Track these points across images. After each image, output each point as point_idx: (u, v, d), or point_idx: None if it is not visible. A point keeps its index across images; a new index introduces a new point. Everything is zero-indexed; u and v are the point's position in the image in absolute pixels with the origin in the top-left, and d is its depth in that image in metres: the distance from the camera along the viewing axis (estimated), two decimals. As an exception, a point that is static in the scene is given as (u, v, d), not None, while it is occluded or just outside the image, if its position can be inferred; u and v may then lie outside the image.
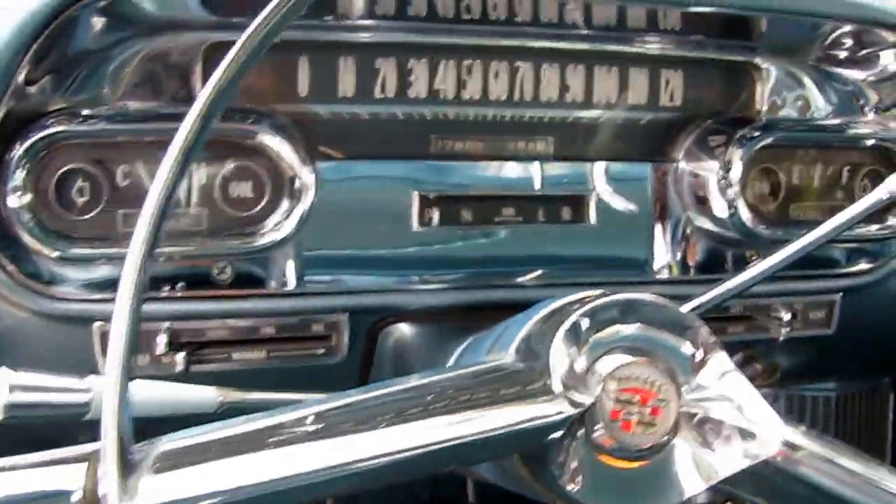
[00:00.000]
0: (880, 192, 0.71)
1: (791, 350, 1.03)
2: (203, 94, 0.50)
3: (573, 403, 0.56)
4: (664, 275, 0.93)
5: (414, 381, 0.58)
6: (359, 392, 0.58)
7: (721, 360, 0.59)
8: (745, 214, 0.89)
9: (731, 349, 0.97)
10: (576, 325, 0.58)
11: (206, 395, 0.68)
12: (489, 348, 0.67)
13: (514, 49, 0.87)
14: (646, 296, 0.60)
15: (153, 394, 0.66)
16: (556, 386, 0.56)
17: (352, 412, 0.55)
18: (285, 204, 0.79)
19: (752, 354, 1.03)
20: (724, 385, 0.58)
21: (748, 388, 0.58)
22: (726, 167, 0.88)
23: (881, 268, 0.97)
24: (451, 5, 0.84)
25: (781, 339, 0.93)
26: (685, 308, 0.68)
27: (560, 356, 0.57)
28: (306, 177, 0.78)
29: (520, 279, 0.89)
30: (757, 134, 0.89)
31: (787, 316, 0.93)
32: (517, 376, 0.58)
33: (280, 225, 0.78)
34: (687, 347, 0.59)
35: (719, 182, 0.88)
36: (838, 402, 1.33)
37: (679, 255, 0.93)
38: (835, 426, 1.34)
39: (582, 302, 0.61)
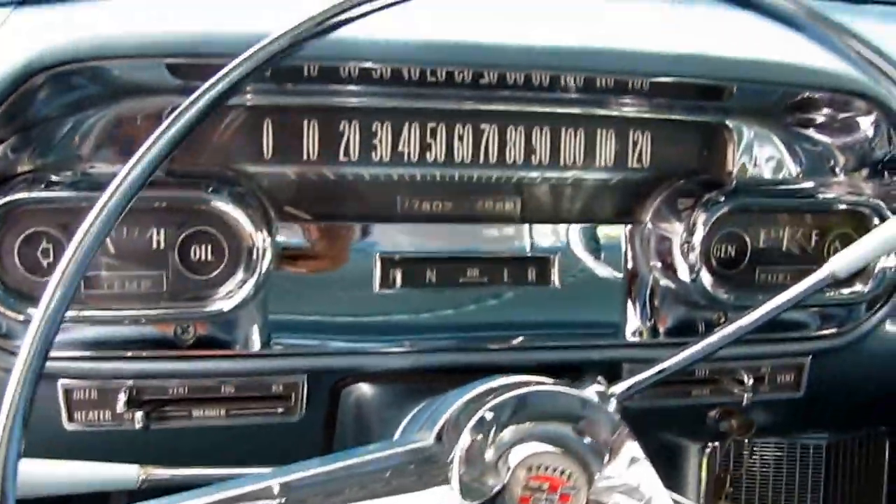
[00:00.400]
0: (823, 272, 0.70)
1: (764, 407, 1.02)
2: (131, 163, 0.51)
3: (477, 493, 0.57)
4: (631, 338, 0.93)
5: (327, 464, 0.59)
6: (279, 473, 0.59)
7: (631, 450, 0.60)
8: (707, 279, 0.88)
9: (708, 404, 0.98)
10: (486, 418, 0.59)
11: (126, 473, 0.69)
12: (423, 423, 0.68)
13: (479, 112, 0.87)
14: (562, 388, 0.61)
15: (69, 472, 0.68)
16: (457, 477, 0.57)
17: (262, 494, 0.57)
18: (241, 270, 0.80)
19: (727, 409, 1.03)
20: (633, 475, 0.59)
21: (656, 479, 0.59)
22: (690, 230, 0.88)
23: (851, 331, 0.96)
24: (416, 69, 0.85)
25: (745, 403, 0.93)
26: (619, 388, 0.69)
27: (469, 446, 0.58)
28: (262, 244, 0.79)
29: (484, 343, 0.90)
30: (723, 198, 0.88)
31: (750, 380, 0.93)
32: (426, 464, 0.59)
33: (234, 292, 0.80)
34: (599, 438, 0.60)
35: (682, 246, 0.88)
36: (829, 450, 1.32)
37: (646, 318, 0.93)
38: (825, 474, 1.33)
39: (503, 389, 0.62)
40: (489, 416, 0.59)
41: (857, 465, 1.34)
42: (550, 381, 0.67)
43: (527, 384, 0.63)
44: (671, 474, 1.29)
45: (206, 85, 0.52)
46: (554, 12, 0.81)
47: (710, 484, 1.30)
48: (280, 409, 0.86)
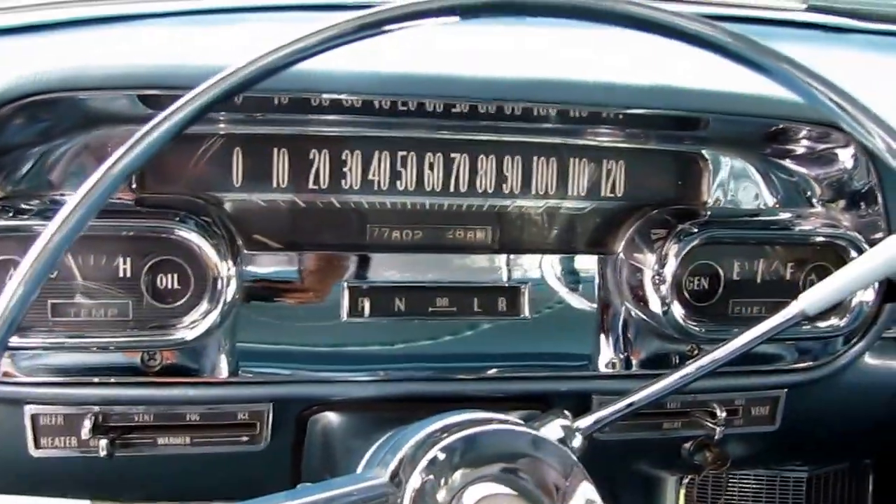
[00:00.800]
0: (793, 310, 0.70)
1: (740, 440, 1.01)
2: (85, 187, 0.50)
3: None
4: (603, 370, 0.92)
5: (278, 502, 0.58)
6: None
7: (586, 491, 0.59)
8: (679, 312, 0.88)
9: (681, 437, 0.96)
10: (438, 458, 0.58)
11: None
12: (382, 457, 0.67)
13: (450, 141, 0.87)
14: (518, 427, 0.61)
15: None
16: None
17: None
18: (206, 300, 0.79)
19: (703, 442, 1.02)
20: None
21: None
22: (662, 262, 0.87)
23: (827, 365, 0.95)
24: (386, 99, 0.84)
25: (717, 437, 0.92)
26: (585, 422, 0.68)
27: (420, 487, 0.57)
28: (227, 274, 0.79)
29: (453, 373, 0.89)
30: (696, 229, 0.87)
31: (723, 414, 0.92)
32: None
33: (198, 322, 0.79)
34: (553, 479, 0.59)
35: (654, 277, 0.87)
36: (811, 482, 1.31)
37: (618, 351, 0.92)
38: (807, 507, 1.32)
39: (459, 427, 0.61)
40: (441, 456, 0.58)
41: (840, 498, 1.33)
42: (511, 417, 0.66)
43: (485, 421, 0.62)
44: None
45: (153, 122, 0.51)
46: (524, 44, 0.81)
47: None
48: (245, 438, 0.85)
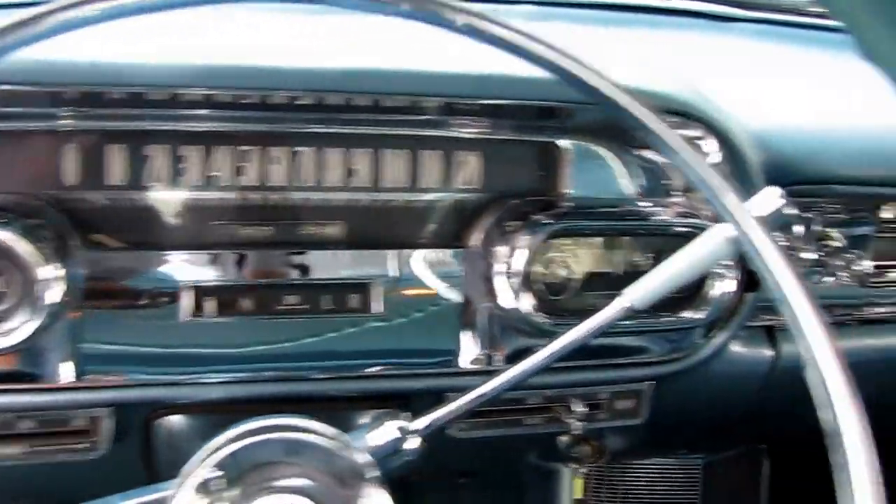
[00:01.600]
0: (619, 304, 0.68)
1: (617, 432, 1.00)
2: None
3: None
4: (467, 367, 0.90)
5: None
6: None
7: (382, 501, 0.58)
8: (528, 305, 0.86)
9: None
10: (214, 474, 0.56)
11: None
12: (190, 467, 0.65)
13: (296, 134, 0.84)
14: (307, 436, 0.59)
15: None
16: None
17: None
18: (28, 304, 0.76)
19: (581, 435, 1.01)
20: None
21: None
22: (512, 254, 0.85)
23: (690, 356, 0.94)
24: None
25: (577, 432, 0.90)
26: (420, 423, 0.67)
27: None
28: (50, 276, 0.76)
29: (303, 372, 0.87)
30: (549, 221, 0.85)
31: (581, 409, 0.90)
32: None
33: (15, 330, 0.76)
34: (346, 489, 0.57)
35: (505, 270, 0.85)
36: (707, 468, 1.30)
37: (476, 346, 0.90)
38: (703, 492, 1.31)
39: (248, 435, 0.59)
40: (216, 473, 0.56)
41: (737, 483, 1.33)
42: (317, 423, 0.64)
43: (282, 428, 0.60)
44: (547, 496, 1.27)
45: None
46: (347, 34, 0.78)
47: (586, 504, 1.28)
48: (83, 445, 0.82)
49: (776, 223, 0.67)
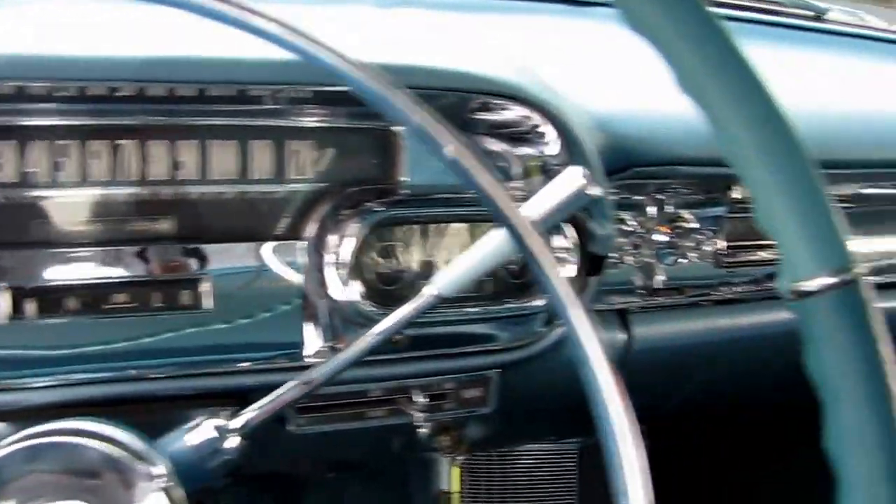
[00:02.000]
0: (427, 292, 0.67)
1: (471, 422, 1.00)
2: None
3: None
4: (311, 361, 0.88)
5: None
6: None
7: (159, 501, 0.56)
8: (356, 294, 0.84)
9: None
10: None
11: None
12: None
13: (115, 126, 0.82)
14: (80, 441, 0.57)
15: None
16: None
17: None
18: None
19: (442, 426, 1.00)
20: None
21: None
22: (340, 244, 0.83)
23: (534, 344, 0.94)
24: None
25: (418, 423, 0.89)
26: (239, 421, 0.65)
27: None
28: None
29: (135, 372, 0.84)
30: (379, 209, 0.84)
31: (422, 400, 0.90)
32: None
33: None
34: (118, 496, 0.55)
35: (334, 261, 0.84)
36: (582, 454, 1.31)
37: (327, 339, 0.88)
38: (580, 477, 1.32)
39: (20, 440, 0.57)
40: None
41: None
42: (107, 427, 0.62)
43: (57, 433, 0.58)
44: (424, 486, 1.26)
45: None
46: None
47: (464, 494, 1.27)
48: None
49: (576, 205, 0.67)
